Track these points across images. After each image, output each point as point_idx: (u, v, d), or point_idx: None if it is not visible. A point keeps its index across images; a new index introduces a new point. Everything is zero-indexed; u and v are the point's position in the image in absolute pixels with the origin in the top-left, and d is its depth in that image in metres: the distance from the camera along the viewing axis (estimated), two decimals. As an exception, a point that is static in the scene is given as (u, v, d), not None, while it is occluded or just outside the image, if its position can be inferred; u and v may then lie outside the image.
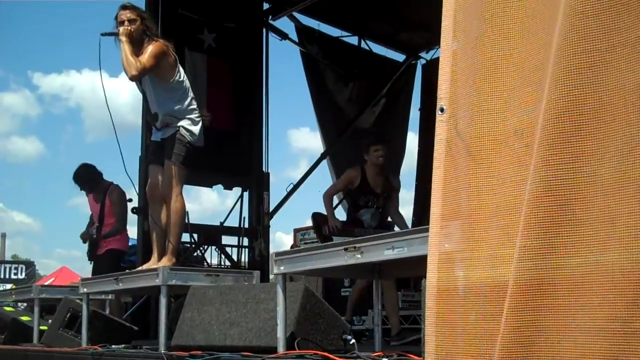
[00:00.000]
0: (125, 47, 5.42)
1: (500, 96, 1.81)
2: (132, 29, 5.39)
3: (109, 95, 5.54)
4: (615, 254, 1.43)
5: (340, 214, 7.85)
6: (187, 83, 5.62)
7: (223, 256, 10.15)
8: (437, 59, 2.09)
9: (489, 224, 1.77)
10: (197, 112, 5.62)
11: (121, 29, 5.38)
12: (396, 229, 6.88)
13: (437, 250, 1.91)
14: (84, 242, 7.52)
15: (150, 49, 5.36)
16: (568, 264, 1.52)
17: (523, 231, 1.58)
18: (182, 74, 5.58)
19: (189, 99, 5.58)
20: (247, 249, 10.25)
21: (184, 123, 5.49)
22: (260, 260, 9.65)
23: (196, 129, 5.57)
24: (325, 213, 7.12)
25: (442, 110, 1.93)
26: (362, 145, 7.13)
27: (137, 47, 5.43)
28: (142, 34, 5.44)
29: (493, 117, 1.80)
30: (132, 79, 5.43)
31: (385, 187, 7.03)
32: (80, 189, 7.69)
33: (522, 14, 1.85)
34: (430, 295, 1.87)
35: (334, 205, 7.51)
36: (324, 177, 11.86)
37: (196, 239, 9.85)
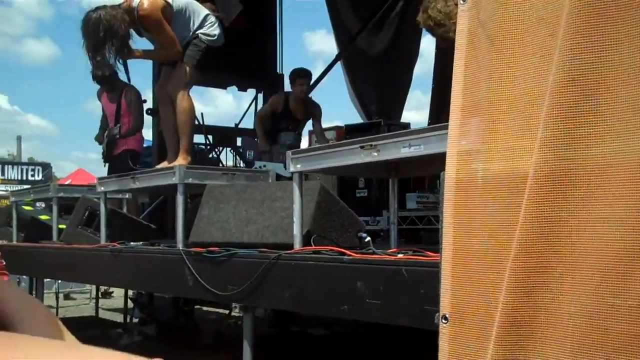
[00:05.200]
0: (148, 55, 5.58)
1: (525, -16, 1.76)
2: (121, 47, 5.18)
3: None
4: (640, 142, 1.41)
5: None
6: (185, 1, 5.46)
7: (238, 157, 10.21)
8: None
9: (509, 116, 1.75)
10: (210, 16, 5.54)
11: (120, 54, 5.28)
12: None
13: (456, 144, 1.89)
14: (100, 144, 7.53)
15: (154, 24, 5.22)
16: (590, 153, 1.50)
17: (545, 122, 1.56)
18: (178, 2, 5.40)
19: (197, 14, 5.49)
20: (261, 150, 10.28)
21: (201, 31, 5.46)
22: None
23: (214, 31, 5.52)
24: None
25: (463, 0, 1.89)
26: (289, 77, 8.26)
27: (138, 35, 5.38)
28: (126, 30, 5.15)
29: (517, 5, 1.75)
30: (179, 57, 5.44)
31: (305, 114, 8.21)
32: (100, 86, 7.67)
33: None
34: (449, 186, 1.87)
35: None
36: (338, 79, 11.77)
37: (211, 140, 9.89)
